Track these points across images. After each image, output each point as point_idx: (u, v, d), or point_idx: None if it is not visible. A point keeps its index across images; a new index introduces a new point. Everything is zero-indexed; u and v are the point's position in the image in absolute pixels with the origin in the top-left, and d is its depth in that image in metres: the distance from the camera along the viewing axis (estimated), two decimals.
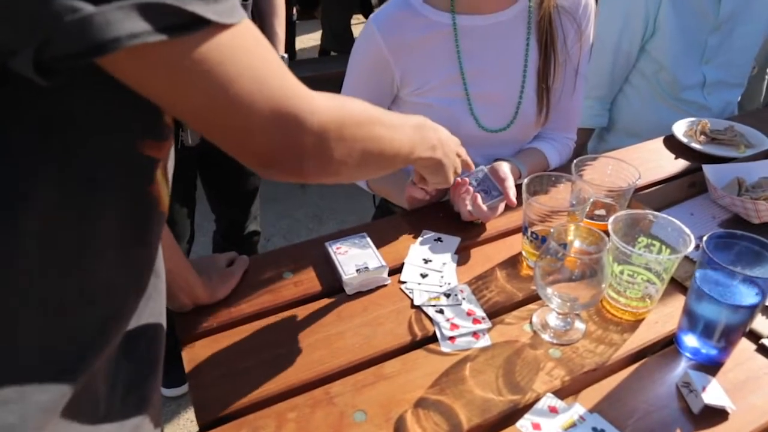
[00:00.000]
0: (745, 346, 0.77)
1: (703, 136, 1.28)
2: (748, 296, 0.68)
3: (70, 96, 0.40)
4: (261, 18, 1.56)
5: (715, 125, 1.31)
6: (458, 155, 0.85)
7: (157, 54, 0.37)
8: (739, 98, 1.71)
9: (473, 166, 0.93)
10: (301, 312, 0.84)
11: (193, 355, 0.77)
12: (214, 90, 0.40)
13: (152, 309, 0.56)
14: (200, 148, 1.43)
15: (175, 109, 0.43)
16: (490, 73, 1.09)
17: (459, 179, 0.98)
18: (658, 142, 1.32)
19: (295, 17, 4.45)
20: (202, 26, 0.37)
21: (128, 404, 0.53)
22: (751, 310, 0.69)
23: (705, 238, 0.70)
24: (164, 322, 0.60)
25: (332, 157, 0.51)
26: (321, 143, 0.49)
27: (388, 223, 1.05)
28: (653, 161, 1.23)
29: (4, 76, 0.36)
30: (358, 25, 4.56)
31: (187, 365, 0.75)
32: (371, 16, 1.08)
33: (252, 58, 0.41)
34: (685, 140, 1.26)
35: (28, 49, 0.33)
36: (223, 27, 0.39)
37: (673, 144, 1.29)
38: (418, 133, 0.70)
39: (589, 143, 1.82)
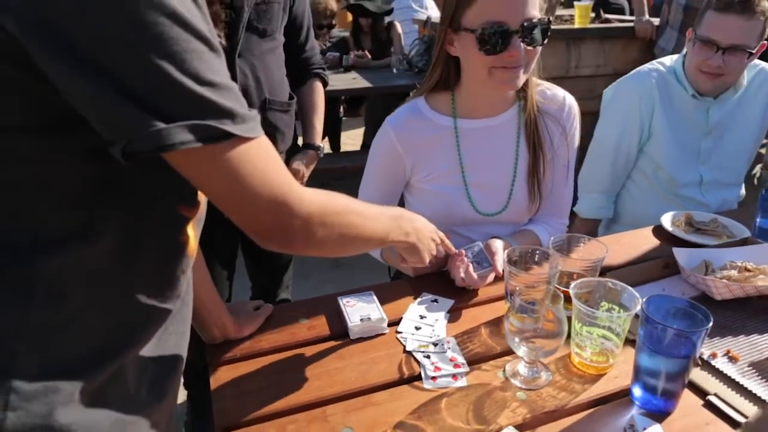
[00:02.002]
0: (693, 400, 0.87)
1: (688, 226, 1.41)
2: (681, 348, 0.80)
3: (142, 173, 0.62)
4: (302, 113, 1.83)
5: (699, 217, 1.44)
6: (434, 240, 1.02)
7: (198, 154, 0.56)
8: (738, 197, 1.84)
9: (453, 248, 1.10)
10: (310, 350, 0.99)
11: (218, 377, 0.93)
12: (232, 181, 0.59)
13: (176, 326, 0.73)
14: None
15: (205, 190, 0.62)
16: (485, 166, 1.29)
17: (457, 251, 1.15)
18: (648, 230, 1.46)
19: (342, 114, 4.90)
20: (230, 138, 0.57)
21: (152, 395, 0.70)
22: (685, 361, 0.80)
23: (644, 300, 0.84)
24: (186, 340, 0.76)
25: (315, 236, 0.69)
26: (306, 226, 0.67)
27: (393, 285, 1.22)
28: (638, 245, 1.37)
29: (104, 160, 0.57)
30: None
31: (212, 384, 0.91)
32: (387, 118, 1.31)
33: (261, 161, 0.61)
34: (669, 228, 1.40)
35: (119, 144, 0.53)
36: (245, 140, 0.58)
37: (661, 232, 1.43)
38: (394, 222, 0.89)
39: (598, 234, 1.96)
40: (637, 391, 0.86)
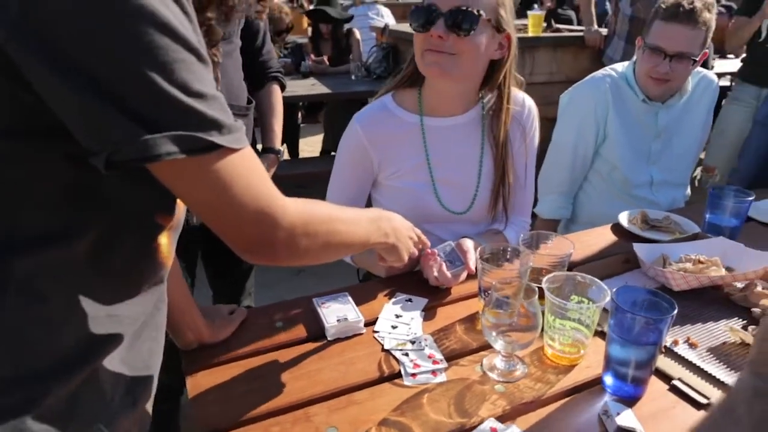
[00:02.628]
0: (659, 385, 0.91)
1: (643, 224, 1.48)
2: (650, 335, 0.85)
3: (122, 182, 0.60)
4: (261, 117, 1.82)
5: (653, 215, 1.52)
6: (411, 238, 1.04)
7: (183, 165, 0.55)
8: (685, 196, 1.95)
9: (428, 243, 1.12)
10: (289, 353, 0.99)
11: (196, 382, 0.91)
12: (217, 192, 0.59)
13: (150, 332, 0.72)
14: (204, 228, 1.63)
15: (189, 201, 0.61)
16: (451, 163, 1.33)
17: (429, 251, 1.17)
18: (606, 228, 1.52)
19: (300, 121, 4.87)
20: (216, 149, 0.56)
21: (126, 401, 0.68)
22: (653, 348, 0.85)
23: (614, 291, 0.88)
24: (160, 346, 0.75)
25: (299, 247, 0.69)
26: (290, 237, 0.66)
27: (366, 286, 1.22)
28: (599, 242, 1.43)
29: (85, 166, 0.56)
30: None
31: (191, 390, 0.89)
32: (355, 115, 1.34)
33: (246, 171, 0.60)
34: (627, 226, 1.47)
35: (104, 153, 0.52)
36: (231, 150, 0.58)
37: (618, 230, 1.50)
38: (374, 224, 0.90)
39: (558, 233, 2.02)
40: (608, 380, 0.90)
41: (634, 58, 1.82)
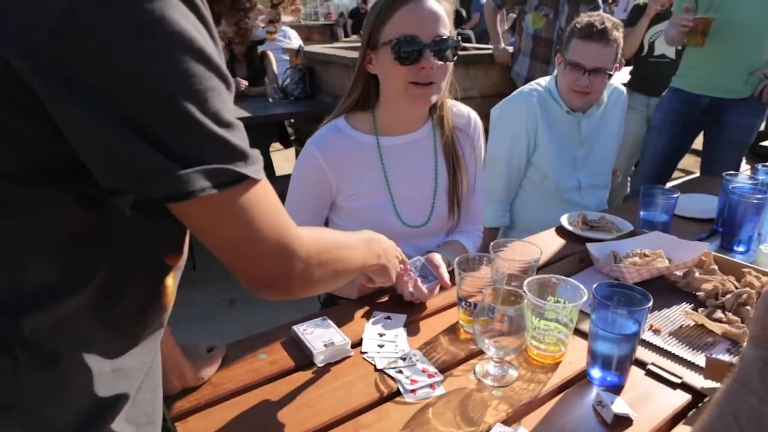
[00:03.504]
0: (636, 372, 0.98)
1: (583, 225, 1.60)
2: (629, 327, 0.91)
3: (130, 222, 0.55)
4: None
5: (591, 216, 1.64)
6: (397, 257, 1.05)
7: (212, 201, 0.52)
8: (607, 197, 2.12)
9: (407, 260, 1.14)
10: (281, 384, 0.95)
11: (189, 428, 0.85)
12: (241, 226, 0.56)
13: (149, 382, 0.67)
14: None
15: (209, 238, 0.57)
16: (409, 180, 1.36)
17: (401, 267, 1.18)
18: (551, 232, 1.62)
19: None
20: (243, 181, 0.54)
21: None
22: (633, 338, 0.92)
23: (594, 287, 0.94)
24: (160, 395, 0.70)
25: (313, 277, 0.66)
26: (306, 268, 0.64)
27: (342, 308, 1.21)
28: (550, 246, 1.52)
29: (97, 208, 0.52)
30: (275, 152, 4.91)
31: None
32: (309, 140, 1.33)
33: (267, 202, 0.58)
34: (570, 228, 1.57)
35: (131, 192, 0.48)
36: (254, 181, 0.56)
37: (562, 232, 1.60)
38: (368, 246, 0.90)
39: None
40: (595, 373, 0.95)
41: (555, 72, 1.96)
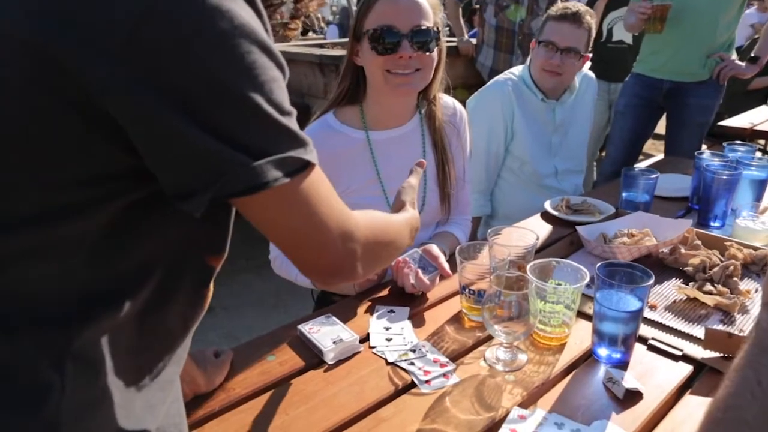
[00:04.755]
0: (639, 347, 1.02)
1: (567, 209, 1.63)
2: (633, 304, 0.94)
3: (178, 225, 0.55)
4: None
5: (574, 200, 1.68)
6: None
7: (284, 190, 0.51)
8: (582, 182, 2.18)
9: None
10: (294, 385, 0.94)
11: None
12: (308, 212, 0.55)
13: (175, 392, 0.65)
14: None
15: (277, 228, 0.55)
16: (400, 173, 1.34)
17: (400, 259, 1.19)
18: (537, 218, 1.65)
19: None
20: (307, 167, 0.53)
21: None
22: (637, 315, 0.95)
23: (597, 267, 0.97)
24: (182, 404, 0.68)
25: (372, 260, 0.65)
26: (364, 251, 0.63)
27: (344, 304, 1.20)
28: (539, 231, 1.54)
29: (150, 213, 0.50)
30: None
31: None
32: None
33: (325, 187, 0.58)
34: (555, 213, 1.61)
35: (207, 191, 0.47)
36: (314, 166, 0.55)
37: (548, 218, 1.63)
38: (408, 226, 0.85)
39: (479, 230, 2.15)
40: (602, 351, 0.98)
41: (528, 61, 2.00)
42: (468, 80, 3.55)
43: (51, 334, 0.48)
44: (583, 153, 2.14)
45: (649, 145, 4.86)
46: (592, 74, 2.12)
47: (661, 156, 3.30)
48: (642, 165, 2.61)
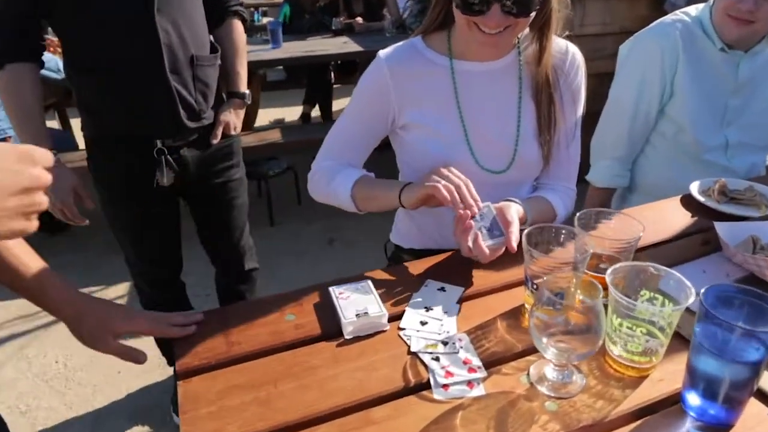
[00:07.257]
0: (757, 409, 0.72)
1: (721, 195, 1.26)
2: (750, 352, 0.65)
3: None
4: (224, 58, 1.65)
5: (734, 185, 1.29)
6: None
7: None
8: (765, 161, 1.68)
9: (479, 201, 1.01)
10: (299, 353, 0.84)
11: (189, 389, 0.78)
12: None
13: None
14: (176, 189, 1.54)
15: None
16: (486, 113, 1.15)
17: (462, 212, 0.99)
18: (675, 201, 1.30)
19: (333, 81, 4.69)
20: None
21: None
22: (755, 367, 0.66)
23: (703, 291, 0.69)
24: None
25: None
26: None
27: (393, 271, 1.06)
28: (667, 219, 1.21)
29: None
30: None
31: (182, 399, 0.76)
32: (380, 51, 1.17)
33: None
34: (702, 199, 1.25)
35: None
36: None
37: (690, 203, 1.27)
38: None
39: (612, 203, 1.80)
40: (693, 399, 0.71)
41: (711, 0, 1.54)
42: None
43: None
44: None
45: None
46: None
47: None
48: None
